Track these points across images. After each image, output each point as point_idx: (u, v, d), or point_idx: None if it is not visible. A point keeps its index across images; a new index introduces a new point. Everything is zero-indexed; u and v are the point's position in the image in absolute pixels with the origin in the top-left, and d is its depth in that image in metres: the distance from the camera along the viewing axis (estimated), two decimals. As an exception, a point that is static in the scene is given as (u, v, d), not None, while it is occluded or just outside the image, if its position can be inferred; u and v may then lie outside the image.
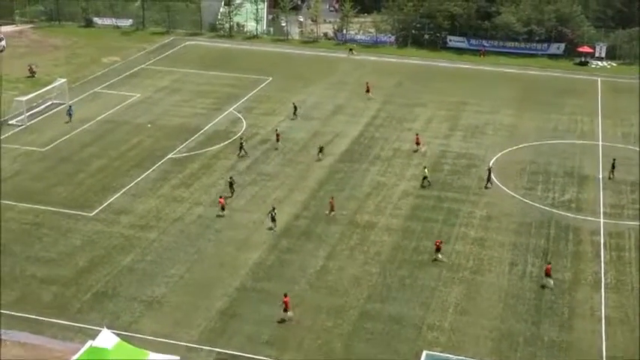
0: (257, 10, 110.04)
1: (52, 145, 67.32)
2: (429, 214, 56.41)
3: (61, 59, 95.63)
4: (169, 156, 65.66)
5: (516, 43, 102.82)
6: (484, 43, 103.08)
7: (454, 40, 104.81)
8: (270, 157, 65.76)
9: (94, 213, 55.28)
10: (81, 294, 45.48)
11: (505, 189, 60.77)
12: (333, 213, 55.31)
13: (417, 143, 68.10)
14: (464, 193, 59.82)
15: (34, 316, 43.25)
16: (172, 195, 58.37)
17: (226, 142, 68.81)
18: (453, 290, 46.91)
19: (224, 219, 54.56)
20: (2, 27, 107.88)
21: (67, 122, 72.32)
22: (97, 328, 40.47)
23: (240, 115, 75.92)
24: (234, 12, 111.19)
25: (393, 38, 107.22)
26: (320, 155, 64.60)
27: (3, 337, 41.51)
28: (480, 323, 43.82)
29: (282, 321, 43.44)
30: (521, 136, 72.34)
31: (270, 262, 49.42)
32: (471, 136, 72.08)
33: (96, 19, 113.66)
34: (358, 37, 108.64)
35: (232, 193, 58.10)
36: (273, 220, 53.34)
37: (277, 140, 68.59)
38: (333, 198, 56.70)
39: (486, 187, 60.52)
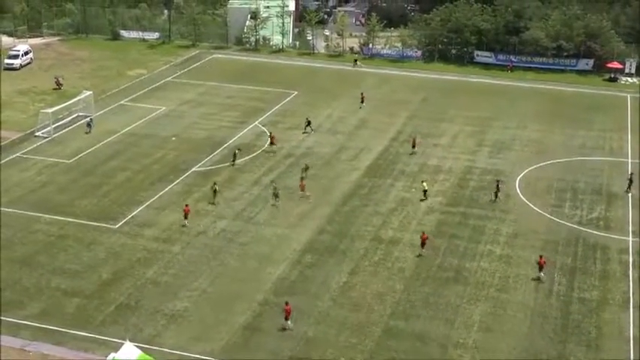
0: (283, 23, 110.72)
1: (77, 157, 68.09)
2: (454, 230, 56.24)
3: (88, 72, 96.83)
4: (194, 169, 66.11)
5: (544, 59, 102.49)
6: (512, 58, 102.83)
7: (481, 55, 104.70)
8: (294, 171, 65.96)
9: (118, 225, 55.79)
10: (104, 306, 45.86)
11: (532, 206, 60.46)
12: (305, 193, 58.04)
13: (413, 146, 69.93)
14: (490, 210, 59.61)
15: (57, 328, 43.66)
16: (196, 208, 58.70)
17: (251, 156, 69.17)
18: (477, 308, 46.69)
19: (249, 233, 54.80)
20: (30, 39, 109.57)
21: (86, 132, 73.13)
22: (120, 340, 40.81)
23: (265, 129, 76.31)
24: (261, 25, 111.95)
25: (419, 53, 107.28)
26: (304, 174, 63.68)
27: (27, 348, 41.96)
28: (506, 341, 43.56)
29: (282, 329, 43.73)
30: (549, 152, 71.99)
31: (293, 277, 49.53)
32: (498, 152, 71.87)
33: (123, 32, 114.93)
34: (384, 51, 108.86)
35: (215, 199, 59.14)
36: (276, 196, 57.17)
37: (272, 143, 69.58)
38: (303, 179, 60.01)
39: (493, 201, 60.64)
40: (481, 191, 62.93)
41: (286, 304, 44.10)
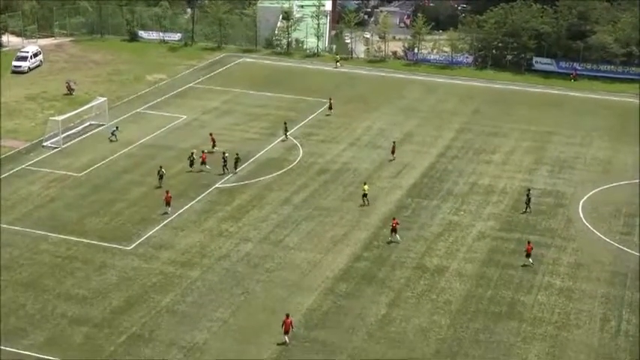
0: (318, 25, 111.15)
1: (88, 170, 68.79)
2: (508, 259, 55.78)
3: (102, 76, 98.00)
4: (216, 185, 66.43)
5: (612, 67, 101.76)
6: (575, 65, 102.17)
7: (541, 62, 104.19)
8: (329, 189, 66.02)
9: (131, 247, 56.15)
10: (114, 336, 46.06)
11: (597, 233, 59.80)
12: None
13: (392, 152, 71.63)
14: (549, 237, 59.07)
15: (62, 360, 44.03)
16: (218, 229, 58.92)
17: (280, 172, 69.34)
18: (534, 347, 46.17)
19: (277, 258, 54.82)
20: (40, 40, 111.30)
21: (111, 141, 74.07)
22: (131, 375, 40.95)
23: (296, 142, 76.51)
24: (293, 27, 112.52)
25: (470, 59, 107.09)
26: (225, 169, 67.74)
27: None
28: (565, 387, 43.02)
29: (281, 344, 44.33)
30: (617, 172, 71.24)
31: (325, 308, 49.38)
32: (559, 171, 71.29)
33: (141, 33, 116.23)
34: (431, 56, 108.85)
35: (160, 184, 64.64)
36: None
37: (213, 146, 71.70)
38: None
39: (524, 212, 61.56)
40: (539, 215, 62.39)
41: (287, 316, 44.95)
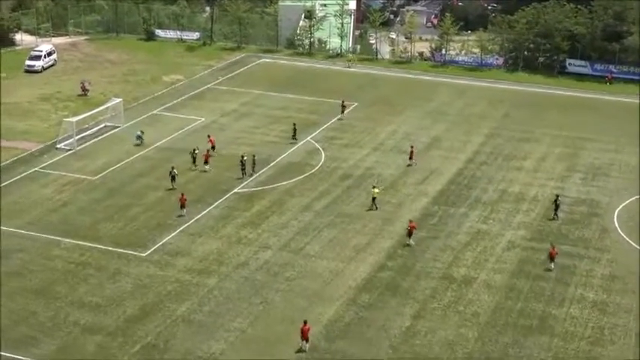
0: (342, 24, 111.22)
1: (103, 174, 69.15)
2: (539, 270, 55.51)
3: (118, 76, 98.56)
4: (235, 190, 66.57)
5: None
6: (611, 68, 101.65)
7: (574, 65, 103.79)
8: (352, 195, 65.99)
9: (146, 253, 56.36)
10: (128, 346, 46.20)
11: (633, 244, 59.41)
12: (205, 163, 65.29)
13: (411, 157, 71.54)
14: (582, 247, 58.74)
15: (74, 370, 44.27)
16: (237, 236, 59.03)
17: (302, 177, 69.39)
18: (566, 363, 45.94)
19: (297, 266, 54.84)
20: (54, 38, 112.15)
21: (136, 145, 74.56)
22: (145, 387, 41.08)
23: (318, 146, 76.55)
24: (316, 26, 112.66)
25: (501, 60, 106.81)
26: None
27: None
28: (599, 405, 42.73)
29: (299, 351, 44.52)
30: (654, 180, 70.87)
31: (347, 320, 49.32)
32: (592, 179, 70.91)
33: (158, 32, 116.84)
34: (460, 58, 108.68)
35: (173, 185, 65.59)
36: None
37: (213, 148, 72.38)
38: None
39: (552, 219, 61.83)
40: (572, 225, 62.07)
41: (304, 323, 45.28)
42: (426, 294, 52.29)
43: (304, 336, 45.49)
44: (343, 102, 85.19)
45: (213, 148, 72.62)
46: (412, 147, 73.51)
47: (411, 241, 58.12)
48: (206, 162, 69.81)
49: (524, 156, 75.87)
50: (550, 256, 55.24)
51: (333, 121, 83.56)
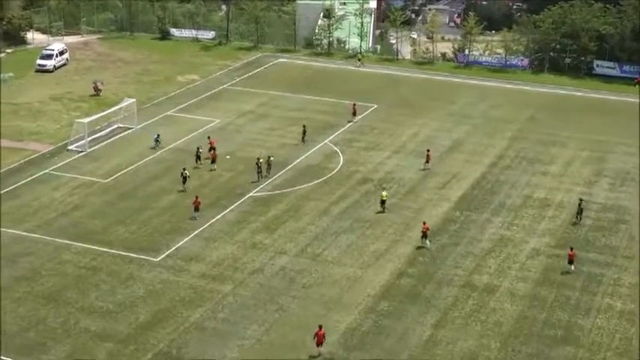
0: (362, 23, 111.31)
1: (115, 176, 69.42)
2: (564, 278, 55.28)
3: (131, 76, 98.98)
4: (250, 194, 66.67)
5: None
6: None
7: (602, 66, 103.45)
8: (370, 200, 65.93)
9: (159, 258, 56.51)
10: (140, 353, 46.31)
11: (662, 252, 59.15)
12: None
13: (427, 161, 71.69)
14: (609, 255, 58.44)
15: (84, 377, 44.43)
16: (252, 241, 59.09)
17: (319, 180, 69.42)
18: (592, 375, 45.74)
19: (314, 272, 54.83)
20: (66, 37, 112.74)
21: (152, 148, 74.86)
22: (157, 395, 41.16)
23: (337, 149, 76.57)
24: (335, 26, 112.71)
25: (526, 61, 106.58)
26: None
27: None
28: (626, 419, 42.49)
29: (314, 356, 44.74)
30: (685, 186, 70.43)
31: (365, 328, 49.27)
32: (621, 184, 70.59)
33: (173, 31, 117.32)
34: (483, 58, 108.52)
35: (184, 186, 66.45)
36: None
37: (209, 150, 72.46)
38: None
39: (575, 223, 62.06)
40: (599, 232, 61.79)
41: (319, 328, 45.69)
42: (447, 302, 52.17)
43: (319, 341, 45.65)
44: (355, 105, 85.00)
45: (213, 149, 72.62)
46: (428, 150, 73.46)
47: (427, 243, 58.36)
48: (213, 161, 70.65)
49: (549, 160, 75.61)
50: (569, 258, 55.74)
51: (352, 123, 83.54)
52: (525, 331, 49.44)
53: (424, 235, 58.52)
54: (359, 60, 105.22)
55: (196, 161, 70.74)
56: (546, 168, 73.75)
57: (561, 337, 48.96)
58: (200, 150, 71.37)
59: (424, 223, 59.29)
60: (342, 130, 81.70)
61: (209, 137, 74.77)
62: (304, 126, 78.51)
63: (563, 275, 55.54)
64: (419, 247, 58.41)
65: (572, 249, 56.35)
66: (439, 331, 49.22)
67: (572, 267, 55.62)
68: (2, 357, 45.27)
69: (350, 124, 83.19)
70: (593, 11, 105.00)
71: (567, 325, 49.92)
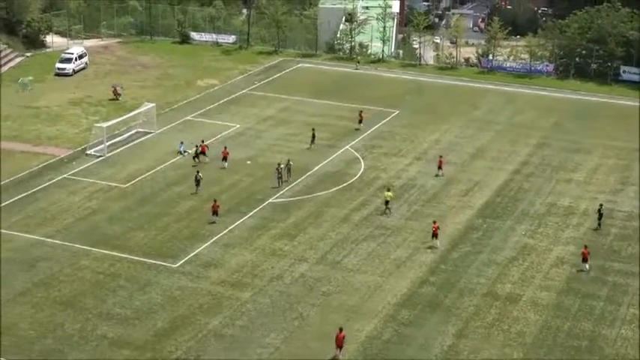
0: (384, 28, 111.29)
1: (133, 181, 69.76)
2: (589, 288, 55.04)
3: (150, 80, 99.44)
4: (270, 200, 66.80)
5: None
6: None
7: (629, 72, 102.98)
8: (392, 207, 65.84)
9: (178, 264, 56.72)
10: (158, 361, 46.60)
11: (689, 262, 58.78)
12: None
13: (440, 167, 71.77)
14: (635, 265, 58.13)
15: (102, 384, 44.66)
16: (271, 248, 59.19)
17: (340, 187, 69.46)
18: (616, 387, 45.51)
19: (334, 280, 54.85)
20: (86, 41, 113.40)
21: (180, 152, 75.26)
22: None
23: (358, 155, 76.60)
24: (357, 30, 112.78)
25: (551, 67, 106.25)
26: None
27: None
28: None
29: (333, 358, 45.13)
30: None
31: (386, 337, 49.23)
32: (647, 193, 70.32)
33: (193, 35, 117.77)
34: (508, 64, 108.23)
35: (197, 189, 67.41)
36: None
37: (203, 154, 73.29)
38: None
39: (596, 229, 62.51)
40: (625, 241, 61.49)
41: (340, 330, 46.19)
42: (469, 311, 52.05)
43: (339, 343, 45.80)
44: (361, 112, 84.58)
45: (203, 154, 73.33)
46: (441, 157, 73.48)
47: (437, 243, 59.03)
48: (203, 153, 73.23)
49: (574, 167, 75.32)
50: (583, 256, 56.69)
51: (373, 129, 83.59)
52: (549, 341, 49.25)
53: (434, 235, 59.22)
54: (357, 62, 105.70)
55: (194, 158, 72.63)
56: (571, 175, 73.47)
57: (585, 347, 48.73)
58: (200, 149, 73.26)
59: (434, 222, 59.87)
60: (363, 135, 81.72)
61: (202, 141, 75.07)
62: (313, 129, 78.74)
63: (588, 285, 55.28)
64: (429, 247, 59.12)
65: (586, 247, 57.37)
66: (461, 340, 49.09)
67: (587, 265, 56.53)
68: (2, 358, 45.76)
69: (370, 128, 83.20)
70: (619, 16, 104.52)
71: (592, 336, 49.68)
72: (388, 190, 65.72)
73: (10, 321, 49.23)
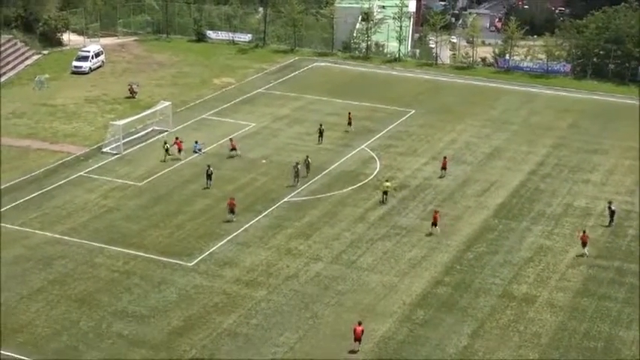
0: (401, 27, 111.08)
1: (149, 179, 69.90)
2: (605, 289, 54.80)
3: (166, 79, 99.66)
4: (286, 199, 66.81)
5: None
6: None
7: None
8: (408, 206, 65.82)
9: (193, 263, 56.80)
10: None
11: None
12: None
13: (444, 167, 71.72)
14: (652, 266, 57.95)
15: (116, 382, 44.75)
16: (287, 247, 59.20)
17: (355, 186, 69.40)
18: (633, 389, 45.29)
19: (349, 279, 54.80)
20: (102, 39, 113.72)
21: (196, 152, 75.35)
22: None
23: (373, 154, 76.53)
24: (374, 29, 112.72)
25: (568, 67, 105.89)
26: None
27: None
28: None
29: (352, 352, 45.60)
30: None
31: (401, 337, 49.15)
32: (665, 194, 69.99)
33: (209, 33, 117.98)
34: (525, 64, 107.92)
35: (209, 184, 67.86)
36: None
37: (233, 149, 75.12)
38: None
39: (609, 226, 63.19)
40: (642, 242, 61.30)
41: (359, 324, 46.81)
42: (484, 312, 51.91)
43: (357, 337, 46.19)
44: (350, 114, 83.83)
45: (179, 151, 73.91)
46: (445, 157, 73.39)
47: (437, 230, 60.54)
48: (180, 150, 73.87)
49: (591, 168, 75.03)
50: (582, 240, 58.46)
51: (388, 128, 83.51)
52: (565, 342, 49.07)
53: (434, 223, 60.78)
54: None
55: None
56: (588, 176, 73.19)
57: (602, 349, 48.52)
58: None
59: (435, 212, 61.64)
60: (379, 135, 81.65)
61: (177, 138, 75.32)
62: (320, 125, 78.90)
63: (604, 286, 55.04)
64: (429, 234, 60.50)
65: (584, 232, 59.07)
66: (476, 341, 48.98)
67: (586, 250, 58.01)
68: (2, 352, 46.03)
69: (386, 128, 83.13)
70: (637, 16, 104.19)
71: (608, 337, 49.46)
72: (387, 181, 66.48)
73: (25, 318, 49.47)
